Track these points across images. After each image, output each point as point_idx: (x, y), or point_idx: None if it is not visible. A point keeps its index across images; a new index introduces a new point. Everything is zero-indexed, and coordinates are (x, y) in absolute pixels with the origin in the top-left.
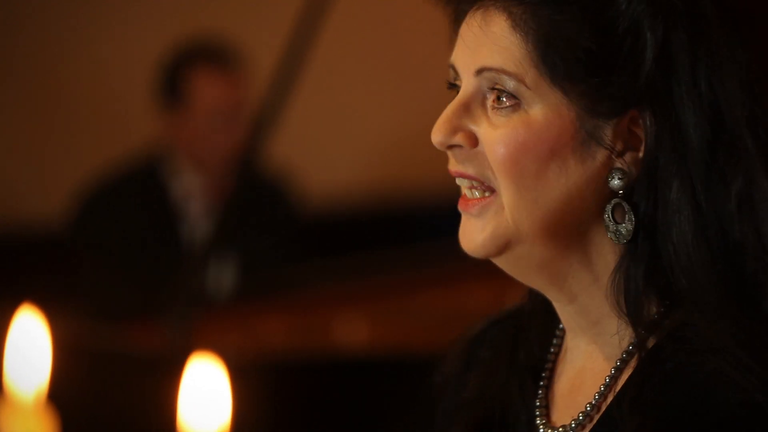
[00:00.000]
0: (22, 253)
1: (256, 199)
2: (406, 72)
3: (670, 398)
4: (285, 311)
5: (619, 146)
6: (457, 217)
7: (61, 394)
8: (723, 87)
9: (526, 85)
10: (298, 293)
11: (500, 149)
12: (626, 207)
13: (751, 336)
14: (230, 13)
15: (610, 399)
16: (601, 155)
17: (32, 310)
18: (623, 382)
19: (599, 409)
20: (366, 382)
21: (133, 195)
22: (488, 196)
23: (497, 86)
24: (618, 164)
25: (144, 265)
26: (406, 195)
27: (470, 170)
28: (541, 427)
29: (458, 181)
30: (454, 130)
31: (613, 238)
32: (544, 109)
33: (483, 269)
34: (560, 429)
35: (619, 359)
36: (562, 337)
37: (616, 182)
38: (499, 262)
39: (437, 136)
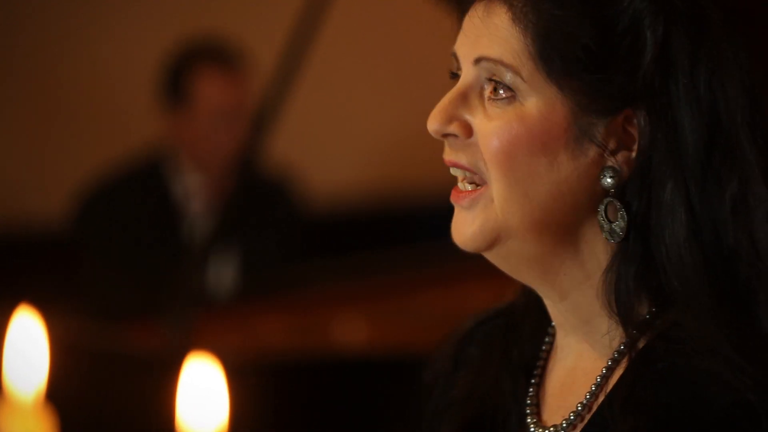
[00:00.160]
0: (22, 252)
1: (258, 199)
2: (407, 72)
3: (662, 398)
4: (284, 311)
5: (612, 145)
6: None
7: (60, 393)
8: (723, 90)
9: (522, 78)
10: (297, 293)
11: (494, 141)
12: (618, 205)
13: (743, 338)
14: (230, 13)
15: (601, 399)
16: (593, 153)
17: (30, 310)
18: (614, 382)
19: (590, 408)
20: (365, 382)
21: (135, 194)
22: (479, 189)
23: (494, 77)
24: (610, 163)
25: (144, 264)
26: (406, 195)
27: (463, 160)
28: (532, 426)
29: (452, 170)
30: (450, 119)
31: (608, 237)
32: (538, 103)
33: (483, 269)
34: (551, 428)
35: (610, 359)
36: (553, 335)
37: (608, 181)
38: (491, 257)
39: (433, 124)
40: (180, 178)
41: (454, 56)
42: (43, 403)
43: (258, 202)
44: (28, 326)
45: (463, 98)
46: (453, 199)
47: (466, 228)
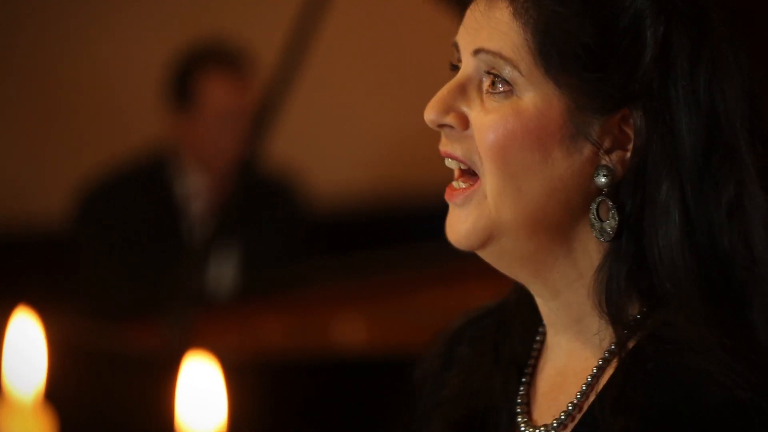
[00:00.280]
0: (23, 252)
1: (261, 198)
2: (407, 72)
3: (653, 398)
4: (284, 311)
5: (607, 144)
6: None
7: (60, 394)
8: (722, 93)
9: (520, 72)
10: (297, 293)
11: (489, 134)
12: (610, 204)
13: (735, 339)
14: (231, 13)
15: (592, 398)
16: (588, 151)
17: (28, 310)
18: (605, 381)
19: (581, 408)
20: (365, 382)
21: (136, 193)
22: (472, 185)
23: (493, 71)
24: (604, 161)
25: (144, 264)
26: (406, 195)
27: (458, 152)
28: (523, 425)
29: (446, 162)
30: (447, 110)
31: (598, 236)
32: (535, 99)
33: (483, 269)
34: (542, 428)
35: (601, 358)
36: (544, 334)
37: (601, 180)
38: (485, 255)
39: (430, 114)
40: (183, 178)
41: (455, 47)
42: (43, 404)
43: (260, 202)
44: (27, 327)
45: (462, 90)
46: (447, 197)
47: (459, 225)
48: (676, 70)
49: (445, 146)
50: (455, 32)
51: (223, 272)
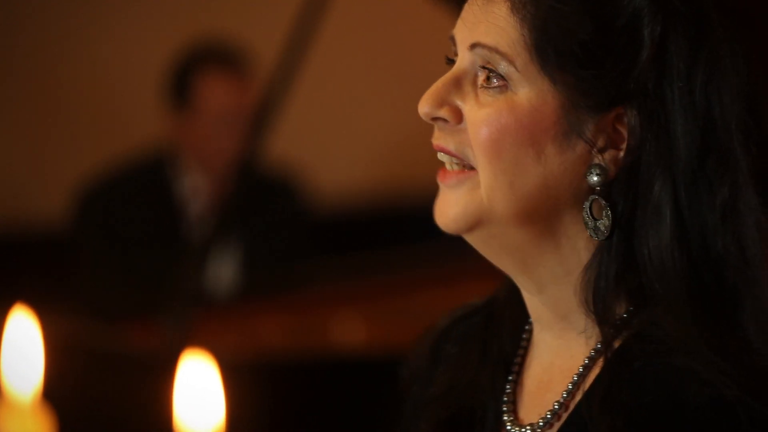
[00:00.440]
0: (23, 252)
1: (262, 198)
2: (408, 72)
3: (640, 397)
4: (283, 311)
5: (600, 142)
6: None
7: (59, 393)
8: (719, 96)
9: (515, 68)
10: (296, 293)
11: (483, 129)
12: (603, 203)
13: (722, 340)
14: (231, 13)
15: (578, 398)
16: (581, 148)
17: (26, 309)
18: (591, 380)
19: (567, 407)
20: (364, 382)
21: (136, 193)
22: (467, 171)
23: (488, 66)
24: (597, 160)
25: (143, 264)
26: (406, 195)
27: (451, 145)
28: (509, 424)
29: (439, 156)
30: (441, 103)
31: (592, 234)
32: (529, 94)
33: (483, 269)
34: (528, 427)
35: (587, 357)
36: (531, 331)
37: (594, 179)
38: (471, 239)
39: (423, 106)
40: (182, 178)
41: (452, 40)
42: (41, 403)
43: (261, 201)
44: (24, 325)
45: (457, 83)
46: (439, 179)
47: (449, 209)
48: (672, 70)
49: (438, 139)
50: (453, 26)
51: (222, 272)
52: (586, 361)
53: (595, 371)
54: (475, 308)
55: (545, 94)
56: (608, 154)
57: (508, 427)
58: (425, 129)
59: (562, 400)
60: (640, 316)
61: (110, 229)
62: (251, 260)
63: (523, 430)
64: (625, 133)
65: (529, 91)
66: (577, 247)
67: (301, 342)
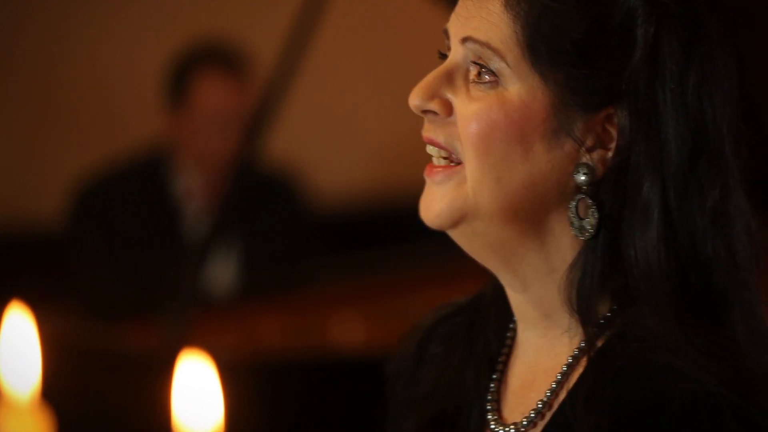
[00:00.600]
0: (23, 252)
1: (261, 197)
2: (407, 71)
3: (624, 396)
4: (283, 311)
5: (589, 141)
6: None
7: (57, 393)
8: (711, 99)
9: (507, 63)
10: (295, 293)
11: (472, 124)
12: (590, 202)
13: (708, 340)
14: (231, 13)
15: (561, 397)
16: (569, 147)
17: (22, 307)
18: (575, 380)
19: (551, 406)
20: (363, 382)
21: (132, 191)
22: (454, 166)
23: (480, 61)
24: (584, 159)
25: (140, 262)
26: (405, 195)
27: (440, 138)
28: (493, 423)
29: (428, 149)
30: (432, 95)
31: (577, 234)
32: (520, 91)
33: (482, 269)
34: (512, 426)
35: (570, 356)
36: (515, 329)
37: (581, 178)
38: (455, 235)
39: (414, 99)
40: (178, 177)
41: (445, 34)
42: (40, 403)
43: (260, 200)
44: (20, 324)
45: (448, 77)
46: (426, 173)
47: (434, 204)
48: (665, 72)
49: (428, 131)
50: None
51: (221, 272)
52: (570, 360)
53: (579, 370)
54: (459, 307)
55: (536, 91)
56: (596, 154)
57: (492, 426)
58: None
59: (546, 399)
60: (623, 315)
61: (106, 227)
62: (250, 260)
63: (507, 429)
64: (614, 133)
65: (520, 87)
66: (562, 245)
67: (301, 342)
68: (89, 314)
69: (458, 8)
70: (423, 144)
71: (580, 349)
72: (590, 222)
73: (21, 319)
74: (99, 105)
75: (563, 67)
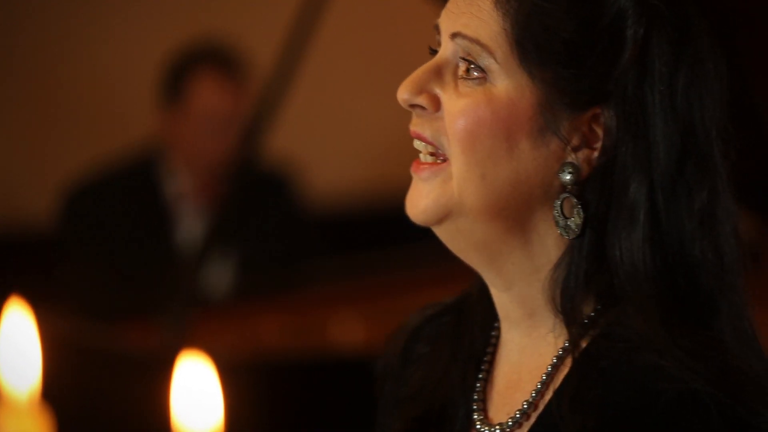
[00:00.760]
0: (23, 253)
1: (260, 196)
2: (405, 71)
3: (609, 396)
4: (282, 311)
5: (575, 141)
6: None
7: (57, 393)
8: (700, 101)
9: (495, 60)
10: (294, 293)
11: (459, 120)
12: (574, 201)
13: (693, 341)
14: (230, 13)
15: (547, 397)
16: (554, 146)
17: (21, 303)
18: (560, 380)
19: (536, 407)
20: (363, 382)
21: (124, 192)
22: (440, 163)
23: (469, 57)
24: (570, 158)
25: (132, 263)
26: (404, 194)
27: (427, 132)
28: (479, 423)
29: (415, 143)
30: (420, 90)
31: (562, 233)
32: (507, 88)
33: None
34: (497, 426)
35: (555, 356)
36: (500, 328)
37: (567, 177)
38: (439, 232)
39: (402, 93)
40: (172, 177)
41: (436, 29)
42: (39, 403)
43: (260, 200)
44: (19, 322)
45: (437, 72)
46: (413, 170)
47: (420, 200)
48: (654, 73)
49: (416, 126)
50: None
51: (220, 272)
52: (555, 360)
53: (564, 370)
54: (446, 307)
55: (523, 89)
56: (582, 153)
57: (478, 426)
58: None
59: (531, 400)
60: (607, 315)
61: (97, 229)
62: (249, 260)
63: (493, 429)
64: (600, 133)
65: (508, 84)
66: (547, 244)
67: (300, 342)
68: (83, 315)
69: (449, 4)
70: None
71: (564, 349)
72: (575, 221)
73: (20, 317)
74: (99, 105)
75: (551, 65)
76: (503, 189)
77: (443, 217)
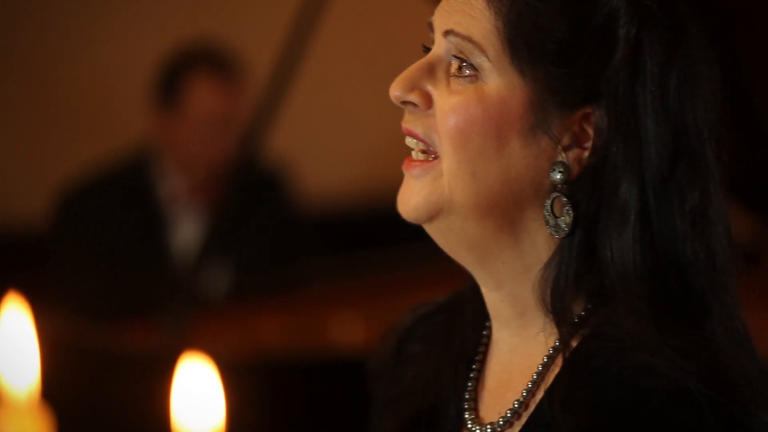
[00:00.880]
0: (23, 253)
1: (259, 196)
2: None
3: (600, 395)
4: (282, 311)
5: (566, 140)
6: None
7: (57, 393)
8: (692, 102)
9: (487, 57)
10: (294, 293)
11: (451, 117)
12: (565, 200)
13: (684, 341)
14: (230, 14)
15: (538, 396)
16: (545, 144)
17: (18, 302)
18: (551, 380)
19: (527, 406)
20: (362, 382)
21: (118, 194)
22: (431, 160)
23: (461, 55)
24: (560, 158)
25: (126, 265)
26: None
27: (419, 129)
28: (470, 422)
29: (407, 140)
30: (412, 87)
31: (553, 232)
32: (499, 86)
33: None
34: (488, 426)
35: (545, 356)
36: (491, 327)
37: (557, 176)
38: (430, 230)
39: (394, 90)
40: (165, 179)
41: (430, 27)
42: (39, 403)
43: (258, 200)
44: (17, 319)
45: (430, 69)
46: (404, 167)
47: (411, 197)
48: (645, 74)
49: (407, 123)
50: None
51: (220, 272)
52: (545, 360)
53: (555, 370)
54: (438, 306)
55: (514, 87)
56: (572, 153)
57: (470, 426)
58: None
59: (522, 399)
60: (597, 315)
61: (91, 231)
62: (249, 260)
63: (484, 428)
64: (591, 132)
65: (499, 82)
66: (538, 243)
67: (300, 342)
68: (82, 315)
69: (443, 3)
70: None
71: (554, 348)
72: (565, 220)
73: (18, 315)
74: (99, 105)
75: (543, 64)
76: (494, 187)
77: (434, 215)
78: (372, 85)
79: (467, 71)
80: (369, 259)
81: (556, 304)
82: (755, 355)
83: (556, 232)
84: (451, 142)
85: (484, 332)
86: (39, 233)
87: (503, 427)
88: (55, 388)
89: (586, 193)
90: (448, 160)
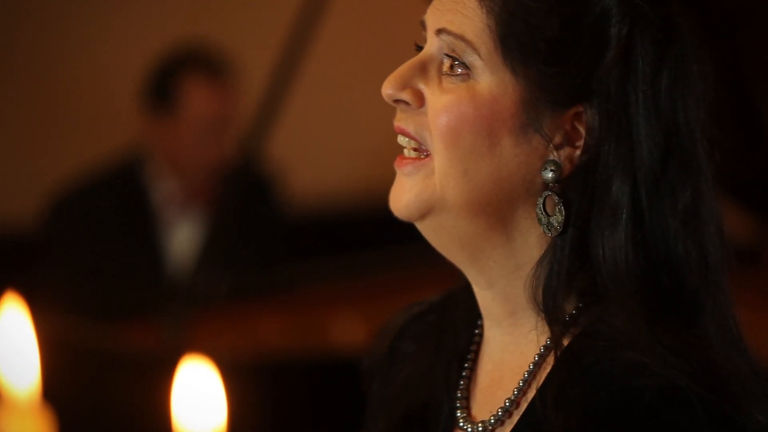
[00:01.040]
0: (23, 253)
1: (257, 196)
2: None
3: (592, 394)
4: (282, 311)
5: (557, 138)
6: None
7: (58, 394)
8: (684, 101)
9: (479, 56)
10: (295, 293)
11: (442, 116)
12: (557, 199)
13: (676, 339)
14: (229, 14)
15: (530, 395)
16: (537, 143)
17: (17, 302)
18: (542, 378)
19: (518, 404)
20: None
21: (112, 196)
22: (423, 158)
23: (453, 53)
24: (552, 156)
25: (120, 268)
26: None
27: (410, 128)
28: (462, 420)
29: (399, 139)
30: (405, 85)
31: (546, 230)
32: (491, 84)
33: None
34: (480, 424)
35: (537, 354)
36: (482, 326)
37: (548, 175)
38: (422, 228)
39: (387, 88)
40: (159, 182)
41: (422, 25)
42: (40, 403)
43: (258, 200)
44: (16, 318)
45: (422, 68)
46: (396, 165)
47: (403, 195)
48: (637, 73)
49: (399, 121)
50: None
51: (219, 272)
52: (537, 359)
53: (546, 368)
54: (431, 305)
55: (506, 86)
56: (564, 152)
57: (462, 424)
58: None
59: (513, 398)
60: (589, 313)
61: (84, 234)
62: (246, 261)
63: (476, 427)
64: (583, 131)
65: (491, 81)
66: (529, 242)
67: (300, 342)
68: (81, 315)
69: (435, 1)
70: None
71: (546, 347)
72: (557, 219)
73: (16, 314)
74: (98, 105)
75: (534, 63)
76: (485, 185)
77: (425, 213)
78: (370, 85)
79: (459, 70)
80: (369, 259)
81: (548, 302)
82: (747, 354)
83: (549, 230)
84: (442, 140)
85: (477, 331)
86: (38, 233)
87: (495, 426)
88: (56, 388)
89: (578, 191)
90: (439, 158)
